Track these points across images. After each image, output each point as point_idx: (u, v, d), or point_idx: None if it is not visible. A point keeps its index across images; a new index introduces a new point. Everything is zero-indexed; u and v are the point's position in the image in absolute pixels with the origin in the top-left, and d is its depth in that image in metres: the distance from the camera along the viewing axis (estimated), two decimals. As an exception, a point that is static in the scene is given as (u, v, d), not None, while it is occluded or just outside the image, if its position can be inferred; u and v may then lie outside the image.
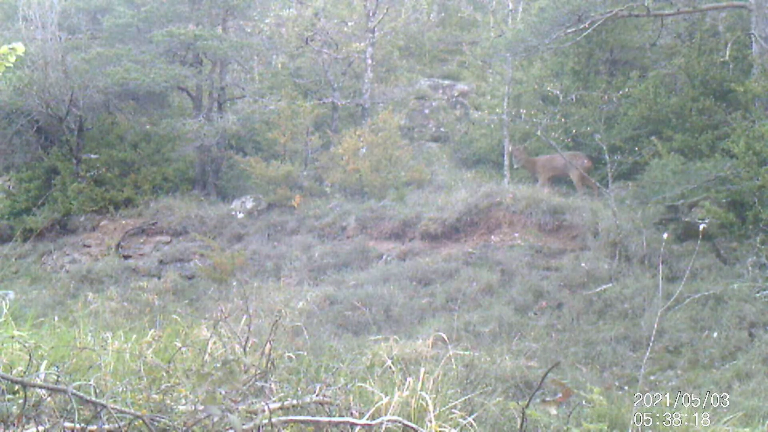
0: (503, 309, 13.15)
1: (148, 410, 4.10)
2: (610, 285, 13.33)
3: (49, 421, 3.91)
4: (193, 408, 4.00)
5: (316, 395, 4.60)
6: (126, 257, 18.03)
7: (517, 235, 15.90)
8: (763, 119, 14.12)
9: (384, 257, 16.14)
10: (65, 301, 14.93)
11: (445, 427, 4.51)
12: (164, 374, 4.77)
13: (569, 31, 16.16)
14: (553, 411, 4.15)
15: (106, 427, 3.82)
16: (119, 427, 3.82)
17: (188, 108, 21.63)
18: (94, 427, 3.84)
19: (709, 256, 13.55)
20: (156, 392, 4.39)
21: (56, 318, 6.92)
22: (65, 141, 19.98)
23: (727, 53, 16.20)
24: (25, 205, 19.61)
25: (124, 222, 18.98)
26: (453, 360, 5.79)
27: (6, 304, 5.72)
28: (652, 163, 14.72)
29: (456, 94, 25.03)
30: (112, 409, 3.84)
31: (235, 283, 14.82)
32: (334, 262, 15.95)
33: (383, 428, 4.23)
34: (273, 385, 4.65)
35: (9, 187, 20.69)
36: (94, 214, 19.26)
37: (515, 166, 18.36)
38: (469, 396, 5.08)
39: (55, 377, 4.24)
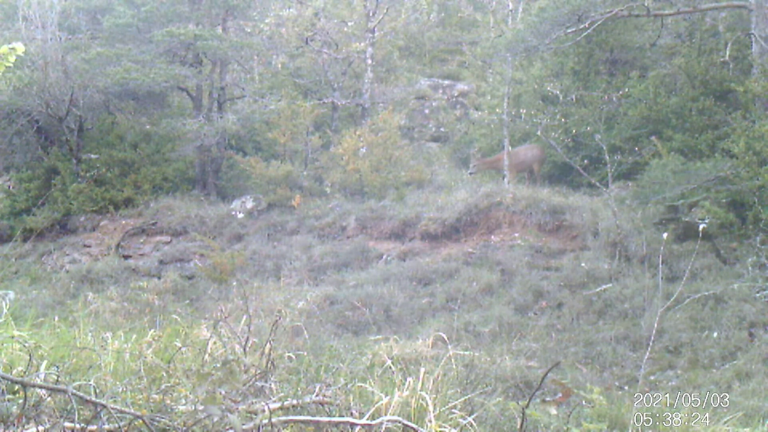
0: (503, 309, 13.15)
1: (148, 410, 4.10)
2: (610, 285, 13.32)
3: (49, 421, 3.91)
4: (193, 408, 4.00)
5: (316, 395, 4.60)
6: (126, 257, 18.02)
7: (517, 235, 15.90)
8: (763, 119, 14.11)
9: (384, 257, 16.13)
10: (65, 301, 14.91)
11: (445, 427, 4.50)
12: (164, 374, 4.77)
13: (569, 31, 16.15)
14: (553, 411, 4.15)
15: (106, 427, 3.82)
16: (119, 427, 3.81)
17: (188, 108, 21.62)
18: (94, 427, 3.84)
19: (709, 256, 13.54)
20: (156, 392, 4.39)
21: (56, 318, 6.90)
22: (65, 141, 19.98)
23: (727, 53, 16.19)
24: (25, 205, 19.61)
25: (124, 222, 18.98)
26: (453, 360, 5.78)
27: (6, 304, 5.72)
28: (652, 163, 14.70)
29: (456, 94, 25.05)
30: (112, 409, 3.84)
31: (235, 283, 14.80)
32: (334, 262, 15.95)
33: (383, 428, 4.23)
34: (273, 385, 4.65)
35: (9, 187, 20.70)
36: (94, 214, 19.26)
37: (470, 172, 18.42)
38: (469, 396, 5.08)
39: (55, 377, 4.24)
